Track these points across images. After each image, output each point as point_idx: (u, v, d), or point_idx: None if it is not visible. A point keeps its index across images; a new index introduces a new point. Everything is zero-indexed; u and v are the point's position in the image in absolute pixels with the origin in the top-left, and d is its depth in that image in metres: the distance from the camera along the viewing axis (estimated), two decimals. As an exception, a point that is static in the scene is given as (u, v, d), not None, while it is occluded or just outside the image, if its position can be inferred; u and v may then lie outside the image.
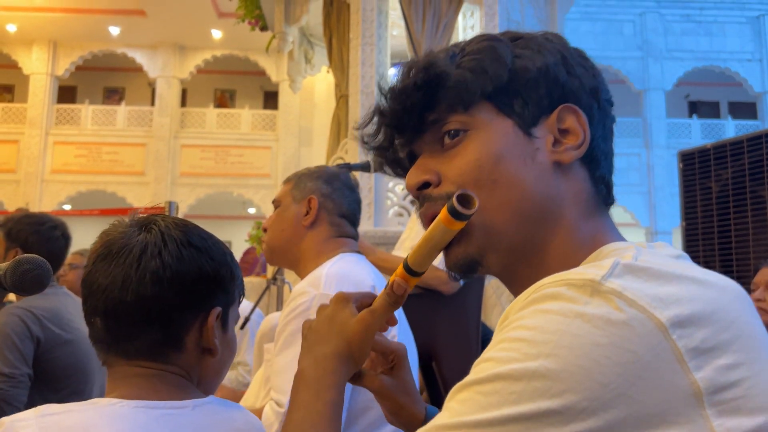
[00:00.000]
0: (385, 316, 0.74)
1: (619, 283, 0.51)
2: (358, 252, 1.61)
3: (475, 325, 2.60)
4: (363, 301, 0.77)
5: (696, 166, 3.44)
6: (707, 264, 3.37)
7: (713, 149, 3.36)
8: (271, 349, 1.41)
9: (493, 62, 0.68)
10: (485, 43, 0.69)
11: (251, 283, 5.51)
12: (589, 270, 0.53)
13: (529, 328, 0.51)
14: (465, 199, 0.63)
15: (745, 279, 3.14)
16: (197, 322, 0.85)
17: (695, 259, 3.45)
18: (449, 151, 0.69)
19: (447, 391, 2.22)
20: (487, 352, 0.53)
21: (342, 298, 0.76)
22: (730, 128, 16.60)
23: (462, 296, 2.52)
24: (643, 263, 0.54)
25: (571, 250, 0.66)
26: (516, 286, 0.69)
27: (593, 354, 0.48)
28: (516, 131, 0.67)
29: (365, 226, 4.99)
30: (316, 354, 0.73)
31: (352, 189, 1.68)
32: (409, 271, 0.70)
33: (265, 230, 1.65)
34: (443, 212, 0.64)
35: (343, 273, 1.42)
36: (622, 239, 0.69)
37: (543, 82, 0.68)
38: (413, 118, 0.70)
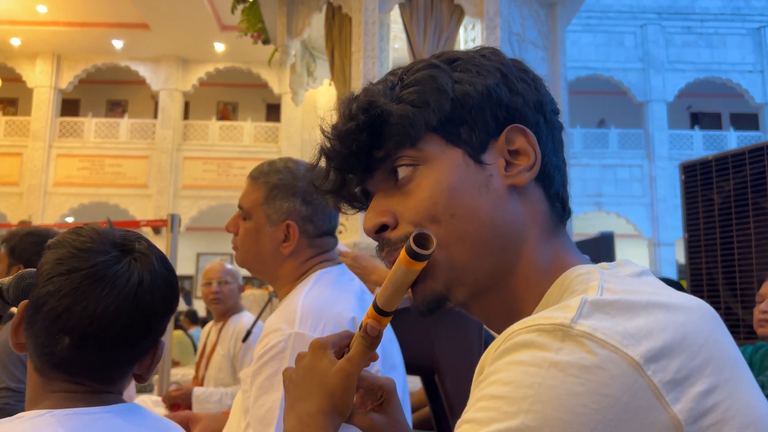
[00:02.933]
0: (364, 360, 0.73)
1: (588, 324, 0.51)
2: (339, 263, 1.52)
3: (478, 336, 2.59)
4: (341, 344, 0.76)
5: (698, 178, 3.44)
6: (710, 276, 3.36)
7: (715, 161, 3.36)
8: (246, 379, 1.34)
9: (435, 93, 0.66)
10: (424, 72, 0.68)
11: (253, 295, 5.50)
12: (557, 313, 0.53)
13: (505, 383, 0.50)
14: (423, 239, 0.63)
15: (748, 290, 3.13)
16: (151, 352, 0.91)
17: (698, 270, 3.45)
18: (403, 189, 0.67)
19: (449, 403, 2.22)
20: (467, 413, 0.52)
21: (319, 346, 0.75)
22: (732, 139, 16.61)
23: (464, 308, 2.51)
24: (610, 296, 0.54)
25: (535, 276, 0.66)
26: (486, 315, 0.69)
27: (571, 404, 0.48)
28: (467, 161, 0.66)
29: (367, 237, 4.98)
30: (299, 412, 0.72)
31: None
32: (380, 312, 0.70)
33: (229, 231, 1.52)
34: (402, 254, 0.64)
35: (319, 307, 1.32)
36: (582, 258, 0.68)
37: (487, 106, 0.67)
38: (361, 159, 0.68)
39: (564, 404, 0.48)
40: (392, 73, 0.72)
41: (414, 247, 0.62)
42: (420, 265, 0.64)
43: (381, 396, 0.80)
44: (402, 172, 0.67)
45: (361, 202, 0.74)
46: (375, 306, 0.70)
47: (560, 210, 0.70)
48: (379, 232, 0.69)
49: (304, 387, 0.73)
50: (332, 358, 0.73)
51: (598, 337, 0.50)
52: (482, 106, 0.66)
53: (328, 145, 0.70)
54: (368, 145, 0.67)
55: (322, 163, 0.72)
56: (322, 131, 0.70)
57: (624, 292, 0.55)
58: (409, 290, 0.69)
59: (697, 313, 0.55)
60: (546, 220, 0.68)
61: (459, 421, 0.53)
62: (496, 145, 0.67)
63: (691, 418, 0.49)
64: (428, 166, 0.66)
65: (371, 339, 0.71)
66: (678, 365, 0.50)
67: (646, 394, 0.48)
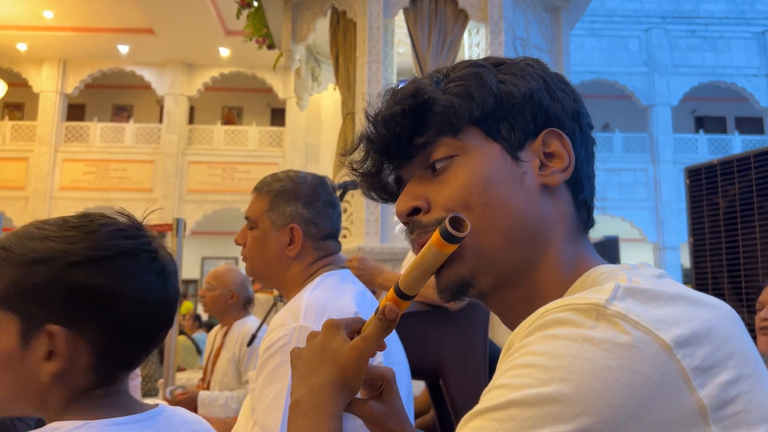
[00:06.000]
0: (378, 342, 0.73)
1: (622, 306, 0.52)
2: (343, 267, 1.57)
3: (483, 341, 2.59)
4: (353, 327, 0.76)
5: (703, 182, 3.44)
6: (715, 280, 3.35)
7: (720, 165, 3.36)
8: (253, 378, 1.37)
9: (479, 88, 0.69)
10: (470, 69, 0.71)
11: (258, 299, 5.51)
12: (592, 294, 0.54)
13: (539, 353, 0.52)
14: (457, 222, 0.64)
15: (753, 294, 3.12)
16: None
17: (703, 275, 3.44)
18: (438, 177, 0.69)
19: (454, 408, 2.22)
20: (498, 379, 0.53)
21: (332, 325, 0.76)
22: (737, 143, 16.57)
23: (469, 313, 2.51)
24: (640, 285, 0.56)
25: (559, 273, 0.68)
26: (505, 309, 0.70)
27: (604, 377, 0.49)
28: (504, 155, 0.68)
29: (372, 242, 4.98)
30: (310, 384, 0.73)
31: (334, 204, 1.60)
32: (401, 294, 0.70)
33: (238, 244, 1.59)
34: (435, 235, 0.65)
35: (323, 302, 1.37)
36: (603, 262, 0.70)
37: (528, 107, 0.69)
38: (402, 144, 0.70)
39: (598, 376, 0.49)
40: (438, 70, 0.74)
41: (449, 229, 0.63)
42: (452, 248, 0.65)
43: (381, 385, 0.81)
44: (439, 161, 0.69)
45: (390, 195, 0.77)
46: (396, 289, 0.70)
47: (585, 216, 0.73)
48: (410, 215, 0.71)
49: (315, 362, 0.74)
50: (345, 337, 0.74)
51: (632, 318, 0.51)
52: (523, 106, 0.69)
53: (371, 128, 0.72)
54: (411, 130, 0.70)
55: (362, 149, 0.74)
56: (367, 115, 0.72)
57: (652, 285, 0.56)
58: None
59: (720, 311, 0.57)
60: (572, 222, 0.70)
61: (488, 388, 0.53)
62: (533, 145, 0.70)
63: (716, 406, 0.50)
64: (466, 156, 0.69)
65: (388, 321, 0.71)
66: (705, 354, 0.51)
67: (675, 377, 0.49)
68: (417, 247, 0.69)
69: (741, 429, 0.50)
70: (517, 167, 0.68)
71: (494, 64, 0.73)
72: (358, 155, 0.75)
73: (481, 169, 0.68)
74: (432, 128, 0.69)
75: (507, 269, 0.68)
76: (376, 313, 0.73)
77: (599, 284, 0.60)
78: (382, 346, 0.76)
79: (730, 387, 0.51)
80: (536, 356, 0.52)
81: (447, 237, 0.64)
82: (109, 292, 0.77)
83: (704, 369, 0.50)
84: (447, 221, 0.63)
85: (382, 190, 0.77)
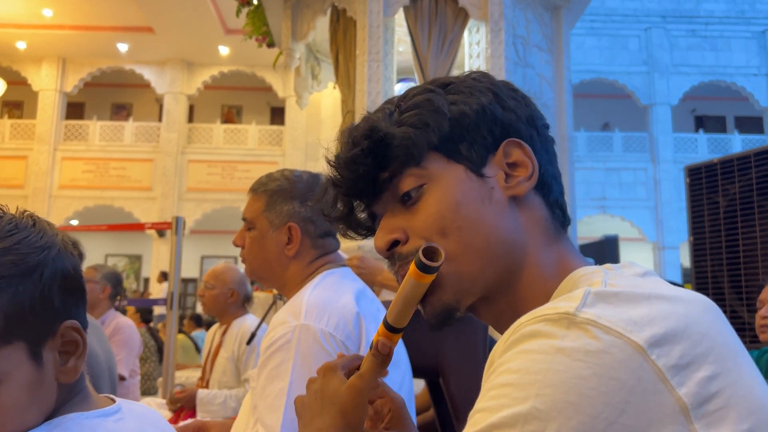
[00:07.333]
0: (375, 377, 0.74)
1: (592, 312, 0.52)
2: (343, 265, 1.57)
3: (482, 340, 2.58)
4: (351, 366, 0.77)
5: (703, 181, 3.43)
6: (715, 279, 3.35)
7: (720, 164, 3.35)
8: (254, 376, 1.37)
9: (433, 114, 0.70)
10: (420, 96, 0.72)
11: (257, 297, 5.50)
12: (562, 303, 0.54)
13: (514, 371, 0.52)
14: (431, 252, 0.65)
15: (753, 293, 3.12)
16: None
17: (703, 274, 3.44)
18: (411, 208, 0.70)
19: (454, 406, 2.21)
20: (479, 403, 0.54)
21: (329, 368, 0.77)
22: (737, 142, 16.58)
23: (469, 311, 2.51)
24: (613, 288, 0.56)
25: (542, 278, 0.68)
26: (495, 318, 0.71)
27: (579, 388, 0.49)
28: (469, 175, 0.69)
29: (371, 240, 4.98)
30: (314, 429, 0.74)
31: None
32: (390, 329, 0.71)
33: (237, 245, 1.59)
34: (412, 267, 0.66)
35: (325, 301, 1.37)
36: (585, 261, 0.71)
37: (483, 123, 0.70)
38: (368, 183, 0.71)
39: (572, 388, 0.49)
40: (389, 101, 0.75)
41: (423, 260, 0.64)
42: (429, 278, 0.66)
43: (389, 412, 0.82)
44: (409, 193, 0.70)
45: (367, 229, 0.78)
46: (386, 323, 0.71)
47: (560, 216, 0.73)
48: (390, 248, 0.72)
49: (316, 407, 0.75)
50: (342, 378, 0.75)
51: (603, 324, 0.51)
52: (478, 123, 0.70)
53: (335, 173, 0.73)
54: (374, 168, 0.71)
55: (330, 193, 0.75)
56: (328, 161, 0.73)
57: (626, 287, 0.56)
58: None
59: (698, 306, 0.57)
60: (548, 226, 0.71)
61: (472, 412, 0.54)
62: (495, 159, 0.70)
63: (697, 402, 0.50)
64: (433, 183, 0.70)
65: (382, 357, 0.73)
66: (681, 351, 0.51)
67: (652, 378, 0.49)
68: (400, 278, 0.70)
69: (726, 423, 0.50)
70: (484, 184, 0.69)
71: (442, 85, 0.74)
72: (327, 200, 0.76)
73: (449, 192, 0.69)
74: (394, 162, 0.70)
75: (489, 285, 0.69)
76: (371, 350, 0.74)
77: (578, 287, 0.60)
78: (384, 375, 0.77)
79: (711, 382, 0.51)
80: (511, 374, 0.52)
81: (422, 268, 0.65)
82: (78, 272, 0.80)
83: (682, 366, 0.50)
84: (420, 253, 0.65)
85: (359, 227, 0.77)
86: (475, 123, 0.70)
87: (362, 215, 0.76)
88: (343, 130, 0.74)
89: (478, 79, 0.74)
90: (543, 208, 0.71)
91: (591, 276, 0.62)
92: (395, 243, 0.71)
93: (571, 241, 0.74)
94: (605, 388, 0.49)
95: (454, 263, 0.67)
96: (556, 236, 0.71)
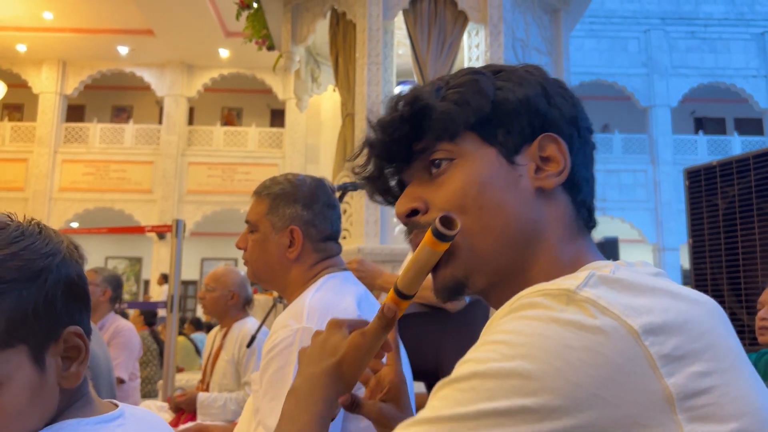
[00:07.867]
0: (377, 338, 0.76)
1: (593, 292, 0.54)
2: (344, 269, 1.58)
3: (482, 342, 2.59)
4: (356, 326, 0.80)
5: (702, 184, 3.44)
6: (714, 281, 3.36)
7: (719, 166, 3.36)
8: (257, 379, 1.38)
9: (476, 95, 0.71)
10: (468, 76, 0.73)
11: (257, 300, 5.51)
12: (565, 281, 0.56)
13: (508, 332, 0.54)
14: (447, 222, 0.66)
15: (753, 295, 3.13)
16: None
17: (702, 276, 3.44)
18: (436, 180, 0.72)
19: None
20: (469, 354, 0.55)
21: (335, 324, 0.80)
22: (737, 144, 16.59)
23: (467, 314, 2.51)
24: (618, 276, 0.57)
25: (554, 271, 0.68)
26: (500, 304, 0.72)
27: (566, 355, 0.50)
28: (500, 159, 0.70)
29: (371, 243, 4.98)
30: (308, 373, 0.77)
31: (333, 206, 1.61)
32: (400, 294, 0.73)
33: (240, 248, 1.60)
34: (428, 234, 0.67)
35: (326, 304, 1.38)
36: (604, 259, 0.71)
37: (524, 113, 0.71)
38: (401, 149, 0.73)
39: (559, 353, 0.50)
40: (440, 78, 0.76)
41: (439, 227, 0.65)
42: (444, 246, 0.67)
43: (390, 387, 0.84)
44: (437, 164, 0.72)
45: (393, 197, 0.79)
46: (395, 288, 0.73)
47: (586, 216, 0.74)
48: (409, 216, 0.73)
49: (315, 356, 0.78)
50: (345, 333, 0.79)
51: (601, 304, 0.53)
52: (520, 111, 0.71)
53: (373, 134, 0.75)
54: (409, 135, 0.72)
55: (364, 155, 0.77)
56: (368, 122, 0.76)
57: (633, 278, 0.57)
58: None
59: (703, 307, 0.57)
60: (570, 223, 0.72)
61: (460, 361, 0.56)
62: (529, 150, 0.71)
63: (684, 394, 0.50)
64: (463, 160, 0.71)
65: (387, 320, 0.74)
66: (676, 343, 0.52)
67: (641, 362, 0.50)
68: (414, 246, 0.72)
69: (712, 421, 0.50)
70: (513, 171, 0.70)
71: (493, 71, 0.75)
72: (360, 160, 0.78)
73: (477, 172, 0.70)
74: (430, 134, 0.71)
75: (501, 269, 0.69)
76: (378, 313, 0.76)
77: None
78: (388, 347, 0.80)
79: (702, 378, 0.51)
80: (504, 334, 0.54)
81: (438, 236, 0.66)
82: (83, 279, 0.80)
83: (674, 358, 0.51)
84: (438, 220, 0.66)
85: (385, 193, 0.79)
86: (516, 111, 0.71)
87: (392, 182, 0.78)
88: (393, 95, 0.75)
89: (531, 71, 0.75)
90: (569, 205, 0.72)
91: (601, 265, 0.63)
92: (415, 212, 0.72)
93: (593, 241, 0.75)
94: (591, 361, 0.49)
95: (469, 239, 0.68)
96: (578, 234, 0.72)
